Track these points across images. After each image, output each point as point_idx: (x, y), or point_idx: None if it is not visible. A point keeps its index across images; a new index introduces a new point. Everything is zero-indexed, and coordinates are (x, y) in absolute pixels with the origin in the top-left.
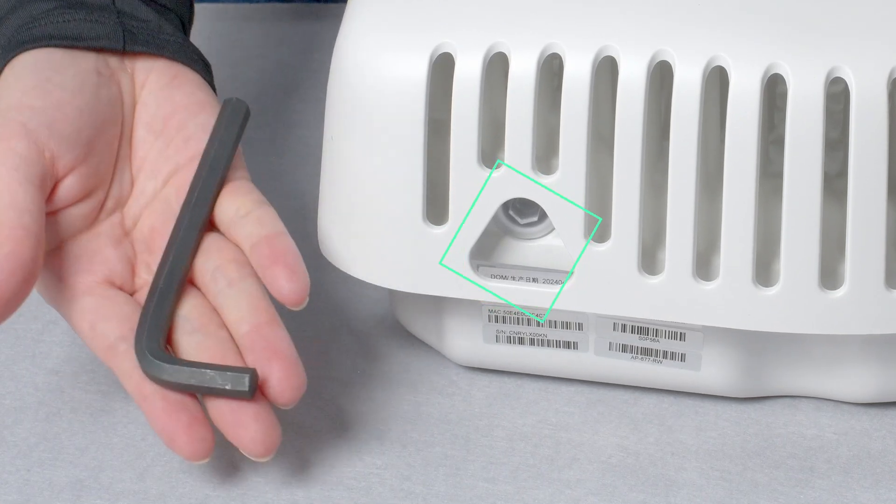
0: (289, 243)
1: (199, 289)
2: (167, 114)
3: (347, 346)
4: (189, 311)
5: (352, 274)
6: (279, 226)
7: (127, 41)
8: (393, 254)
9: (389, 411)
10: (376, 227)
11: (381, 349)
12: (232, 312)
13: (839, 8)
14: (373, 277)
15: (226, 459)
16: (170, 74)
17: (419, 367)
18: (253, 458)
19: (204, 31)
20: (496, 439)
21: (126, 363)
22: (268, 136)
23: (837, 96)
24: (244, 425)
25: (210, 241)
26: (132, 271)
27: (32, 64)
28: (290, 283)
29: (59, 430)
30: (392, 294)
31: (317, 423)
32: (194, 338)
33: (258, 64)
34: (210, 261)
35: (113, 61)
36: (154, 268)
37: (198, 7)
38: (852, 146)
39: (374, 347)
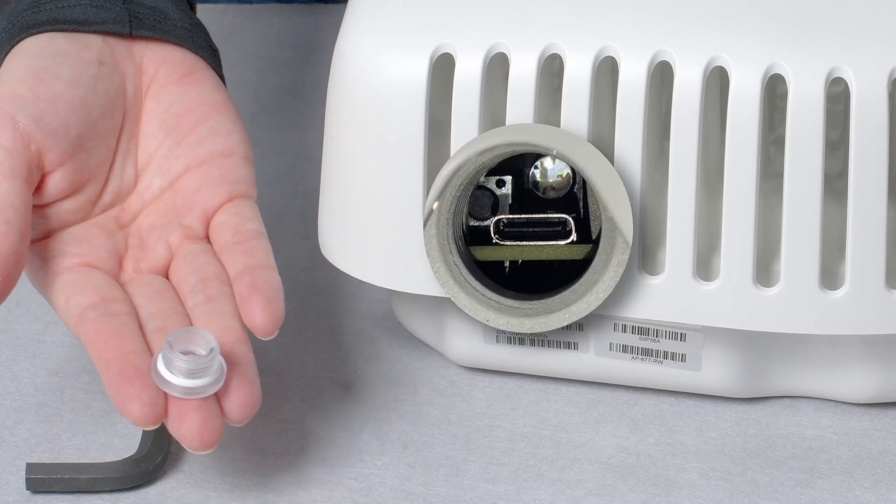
0: (272, 277)
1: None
2: (181, 112)
3: (347, 346)
4: (158, 311)
5: (352, 274)
6: (269, 260)
7: (133, 26)
8: (393, 254)
9: (389, 411)
10: (376, 227)
11: (381, 349)
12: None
13: (839, 8)
14: (373, 277)
15: (226, 459)
16: (183, 69)
17: (419, 367)
18: (191, 451)
19: None
20: (496, 440)
21: (91, 329)
22: (268, 136)
23: (838, 96)
24: (185, 417)
25: (199, 252)
26: (119, 263)
27: (33, 51)
28: (263, 313)
29: (59, 431)
30: (392, 294)
31: (317, 423)
32: (157, 336)
33: (258, 64)
34: (194, 273)
35: (119, 50)
36: (143, 266)
37: (199, 7)
38: (852, 146)
39: (374, 347)
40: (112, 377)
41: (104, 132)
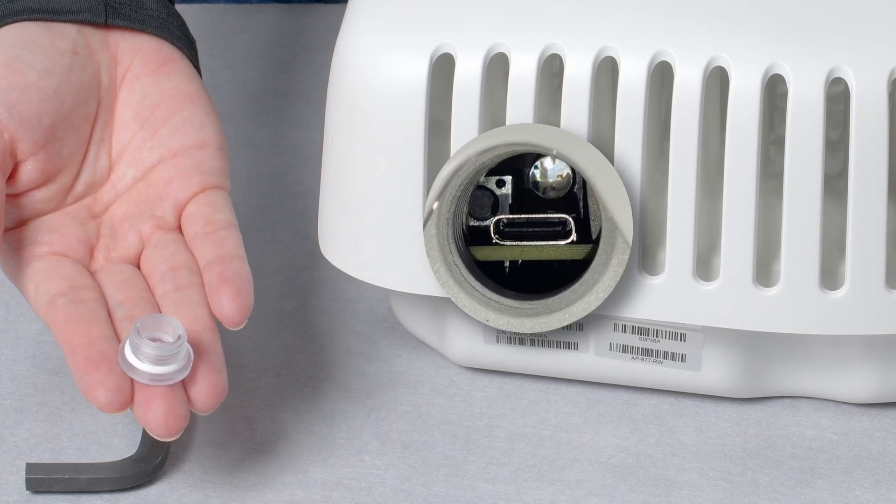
0: (242, 268)
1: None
2: (155, 102)
3: (347, 346)
4: (127, 299)
5: (352, 274)
6: (239, 250)
7: (109, 15)
8: (393, 254)
9: (389, 411)
10: (376, 228)
11: (381, 349)
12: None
13: (839, 8)
14: (373, 277)
15: (225, 459)
16: (158, 60)
17: (419, 367)
18: (157, 437)
19: (204, 31)
20: (496, 440)
21: (60, 316)
22: (269, 136)
23: (838, 97)
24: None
25: (169, 242)
26: (90, 252)
27: (7, 40)
28: (231, 303)
29: (59, 431)
30: (392, 294)
31: (316, 423)
32: (125, 324)
33: (258, 64)
34: (164, 262)
35: (94, 39)
36: (114, 255)
37: (199, 7)
38: (852, 146)
39: (374, 347)
40: (79, 363)
41: (77, 122)
